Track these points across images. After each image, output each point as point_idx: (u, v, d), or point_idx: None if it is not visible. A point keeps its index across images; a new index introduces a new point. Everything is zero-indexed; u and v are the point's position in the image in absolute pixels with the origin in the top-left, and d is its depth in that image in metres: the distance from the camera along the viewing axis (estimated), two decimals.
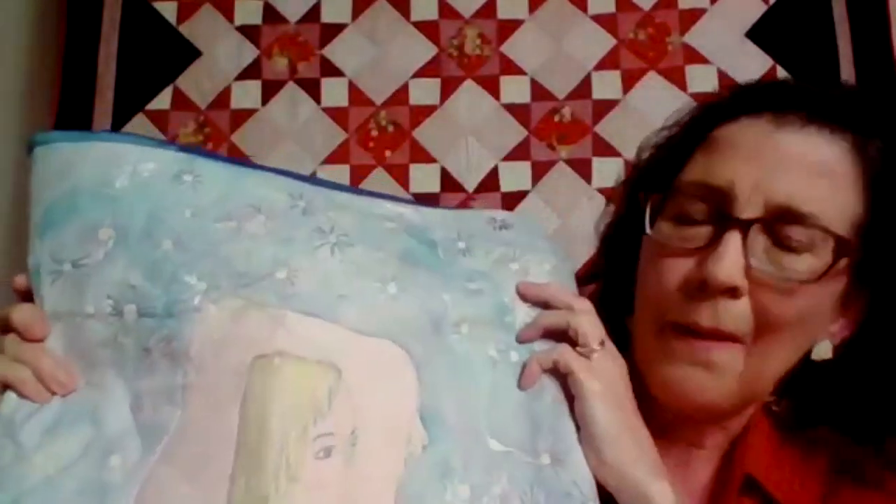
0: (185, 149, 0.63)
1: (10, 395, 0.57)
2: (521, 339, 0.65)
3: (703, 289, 0.65)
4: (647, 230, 0.69)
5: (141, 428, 0.56)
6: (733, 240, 0.64)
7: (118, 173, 0.60)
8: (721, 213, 0.65)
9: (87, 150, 0.61)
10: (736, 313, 0.65)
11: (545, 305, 0.66)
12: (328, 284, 0.59)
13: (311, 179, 0.66)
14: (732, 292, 0.65)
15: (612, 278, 0.78)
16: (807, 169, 0.65)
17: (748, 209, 0.65)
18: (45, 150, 0.61)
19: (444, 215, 0.70)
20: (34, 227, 0.60)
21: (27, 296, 0.60)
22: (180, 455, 0.54)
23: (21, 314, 0.58)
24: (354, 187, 0.69)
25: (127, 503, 0.53)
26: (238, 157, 0.65)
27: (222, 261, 0.58)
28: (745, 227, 0.64)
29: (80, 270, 0.57)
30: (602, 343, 0.65)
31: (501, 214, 0.72)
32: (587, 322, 0.65)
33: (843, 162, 0.66)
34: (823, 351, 0.70)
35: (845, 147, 0.67)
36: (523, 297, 0.66)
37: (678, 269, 0.67)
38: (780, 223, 0.64)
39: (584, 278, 0.79)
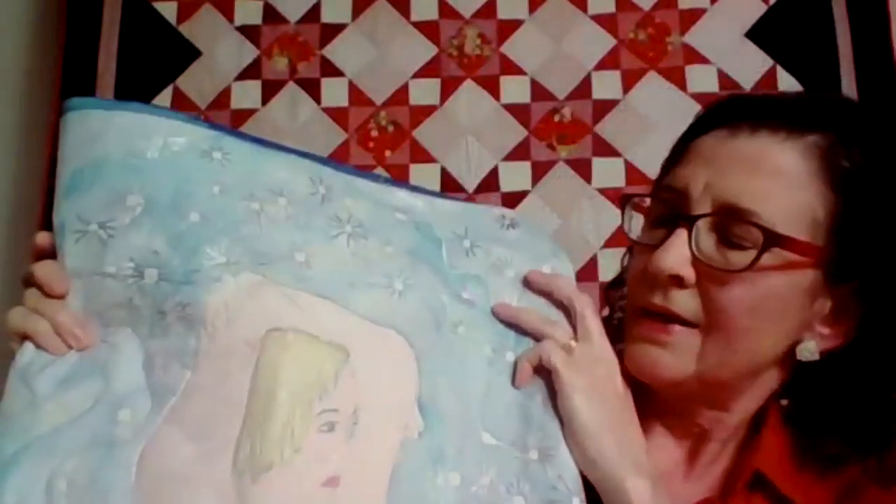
0: (215, 126, 0.65)
1: (28, 346, 0.59)
2: (497, 314, 0.70)
3: (655, 278, 0.71)
4: (626, 230, 0.76)
5: (152, 386, 0.58)
6: (680, 234, 0.69)
7: (149, 145, 0.61)
8: (676, 213, 0.71)
9: (119, 119, 0.62)
10: (684, 299, 0.70)
11: (548, 296, 0.71)
12: (342, 272, 0.63)
13: (332, 164, 0.69)
14: (678, 281, 0.69)
15: None
16: (753, 169, 0.69)
17: (698, 208, 0.70)
18: (78, 115, 0.62)
19: (456, 209, 0.73)
20: (61, 188, 0.61)
21: (45, 254, 0.62)
22: (187, 416, 0.57)
23: (43, 270, 0.60)
24: (371, 173, 0.72)
25: (132, 457, 0.55)
26: (263, 138, 0.67)
27: (244, 239, 0.61)
28: (690, 222, 0.69)
29: (106, 232, 0.59)
30: (585, 338, 0.69)
31: (511, 213, 0.75)
32: (584, 316, 0.70)
33: (797, 163, 0.70)
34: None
35: (800, 149, 0.70)
36: (530, 285, 0.71)
37: (641, 263, 0.73)
38: (726, 221, 0.69)
39: (611, 283, 0.87)
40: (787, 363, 0.73)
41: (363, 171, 0.71)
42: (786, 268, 0.69)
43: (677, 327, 0.70)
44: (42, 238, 0.62)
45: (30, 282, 0.61)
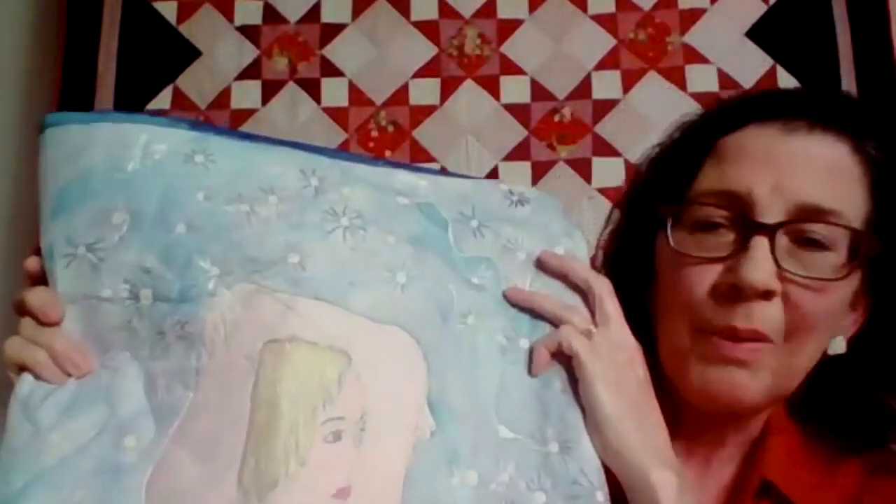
0: (198, 126, 0.63)
1: (27, 377, 0.57)
2: (510, 299, 0.66)
3: (735, 293, 0.66)
4: (671, 243, 0.70)
5: (155, 409, 0.56)
6: (761, 245, 0.66)
7: (130, 155, 0.59)
8: (744, 219, 0.67)
9: (98, 131, 0.60)
10: (770, 314, 0.66)
11: (563, 278, 0.68)
12: (340, 270, 0.60)
13: (327, 151, 0.66)
14: (766, 295, 0.66)
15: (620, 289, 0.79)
16: (820, 170, 0.68)
17: (770, 213, 0.66)
18: (57, 132, 0.60)
19: (462, 187, 0.69)
20: (46, 210, 0.59)
21: (38, 279, 0.60)
22: (192, 437, 0.55)
23: (36, 297, 0.58)
24: (370, 157, 0.69)
25: (141, 483, 0.54)
26: (251, 133, 0.65)
27: (235, 245, 0.59)
28: (771, 231, 0.66)
29: (95, 254, 0.58)
30: (604, 323, 0.66)
31: (520, 189, 0.71)
32: (603, 300, 0.66)
33: (848, 162, 0.69)
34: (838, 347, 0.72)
35: (846, 149, 0.69)
36: (543, 267, 0.68)
37: (707, 277, 0.68)
38: (802, 224, 0.66)
39: None
40: None
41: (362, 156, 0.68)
42: (857, 269, 0.67)
43: (761, 345, 0.67)
44: (32, 263, 0.60)
45: (23, 310, 0.59)
